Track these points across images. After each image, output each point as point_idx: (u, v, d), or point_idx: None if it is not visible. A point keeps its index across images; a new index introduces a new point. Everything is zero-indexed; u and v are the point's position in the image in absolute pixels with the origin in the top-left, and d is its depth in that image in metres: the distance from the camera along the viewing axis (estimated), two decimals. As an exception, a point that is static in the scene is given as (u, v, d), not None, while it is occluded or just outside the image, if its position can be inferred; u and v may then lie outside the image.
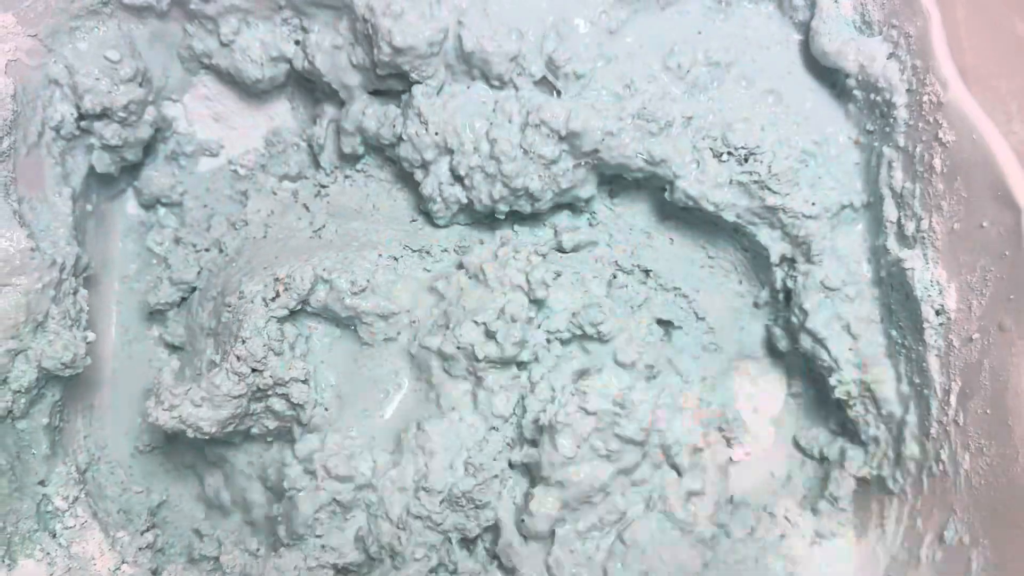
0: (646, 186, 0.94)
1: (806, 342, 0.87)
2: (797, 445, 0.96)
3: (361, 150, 0.97)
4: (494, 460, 0.85)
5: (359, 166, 1.00)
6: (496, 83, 0.87)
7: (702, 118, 0.86)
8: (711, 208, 0.87)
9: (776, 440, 0.98)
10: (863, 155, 0.85)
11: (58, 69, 0.86)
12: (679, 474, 0.85)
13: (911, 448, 0.81)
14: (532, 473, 0.84)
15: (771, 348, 0.97)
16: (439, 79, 0.87)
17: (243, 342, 0.83)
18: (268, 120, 1.04)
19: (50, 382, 0.86)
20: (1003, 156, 0.68)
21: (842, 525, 0.90)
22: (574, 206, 0.95)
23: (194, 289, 0.99)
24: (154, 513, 0.98)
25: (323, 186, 1.00)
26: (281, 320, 0.86)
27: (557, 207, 0.94)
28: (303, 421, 0.89)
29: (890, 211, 0.81)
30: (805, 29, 0.86)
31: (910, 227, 0.79)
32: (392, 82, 0.90)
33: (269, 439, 0.93)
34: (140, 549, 0.93)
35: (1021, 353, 0.69)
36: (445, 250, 0.94)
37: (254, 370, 0.83)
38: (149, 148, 0.99)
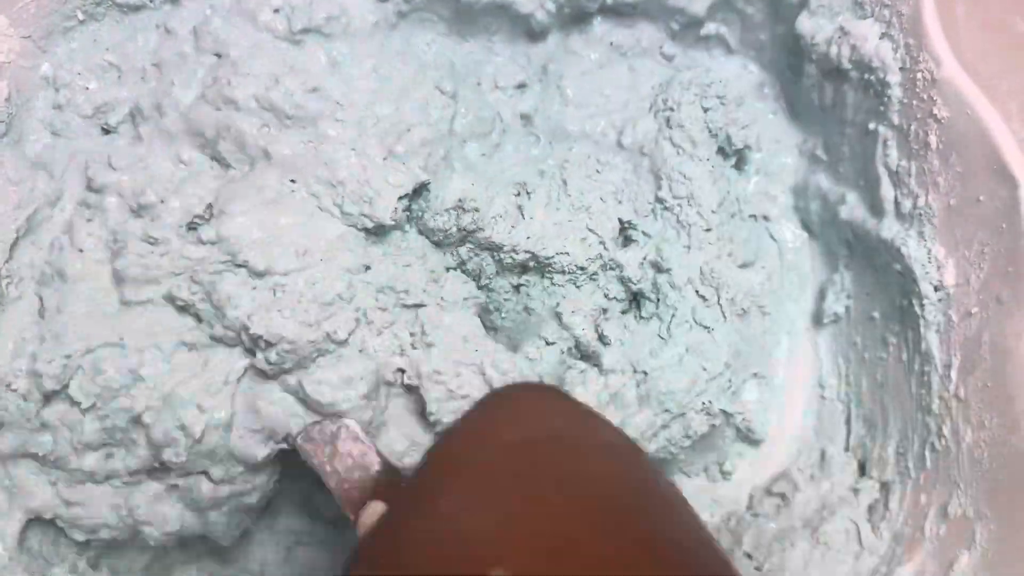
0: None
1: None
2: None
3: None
4: None
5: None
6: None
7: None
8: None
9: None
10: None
11: (50, 70, 0.85)
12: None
13: (913, 426, 0.81)
14: None
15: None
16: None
17: None
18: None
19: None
20: (998, 130, 0.69)
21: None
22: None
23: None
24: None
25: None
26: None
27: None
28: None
29: (886, 190, 0.82)
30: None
31: (907, 205, 0.79)
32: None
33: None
34: None
35: (1020, 325, 0.69)
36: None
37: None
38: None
